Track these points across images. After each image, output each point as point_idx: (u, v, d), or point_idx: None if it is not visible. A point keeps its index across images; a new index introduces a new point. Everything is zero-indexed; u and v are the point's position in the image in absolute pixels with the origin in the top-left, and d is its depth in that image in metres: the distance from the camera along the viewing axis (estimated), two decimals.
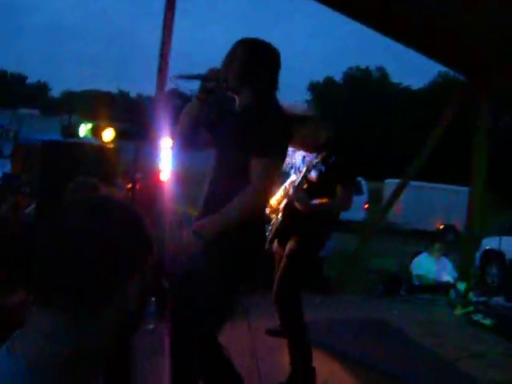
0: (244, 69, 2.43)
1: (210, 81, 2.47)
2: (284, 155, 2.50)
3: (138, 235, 0.99)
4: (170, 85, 2.55)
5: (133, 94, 54.69)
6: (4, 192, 2.62)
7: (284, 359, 3.42)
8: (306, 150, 3.40)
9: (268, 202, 2.47)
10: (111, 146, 4.64)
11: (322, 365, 3.60)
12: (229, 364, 2.57)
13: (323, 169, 3.24)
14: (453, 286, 6.71)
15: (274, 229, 3.44)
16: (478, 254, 9.77)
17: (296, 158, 3.48)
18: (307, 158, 3.37)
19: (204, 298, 2.37)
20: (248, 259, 2.45)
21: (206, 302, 2.39)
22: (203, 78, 2.48)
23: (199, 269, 2.37)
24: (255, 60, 2.45)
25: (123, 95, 53.18)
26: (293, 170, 3.47)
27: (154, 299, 3.74)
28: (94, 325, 0.93)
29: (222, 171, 2.49)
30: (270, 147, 2.36)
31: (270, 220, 3.53)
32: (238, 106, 2.52)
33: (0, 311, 2.11)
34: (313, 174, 3.27)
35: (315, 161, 3.24)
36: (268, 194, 2.49)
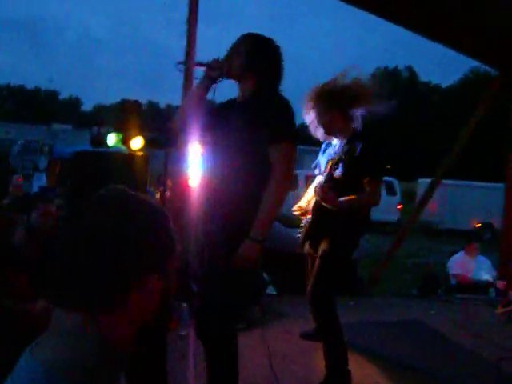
0: (248, 60, 2.56)
1: (214, 69, 2.60)
2: (296, 139, 2.56)
3: (160, 234, 0.97)
4: (177, 69, 2.73)
5: (162, 105, 55.49)
6: (35, 201, 2.66)
7: (319, 362, 3.36)
8: (331, 134, 3.34)
9: (291, 186, 2.54)
10: (141, 154, 4.68)
11: (358, 367, 3.53)
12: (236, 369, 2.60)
13: (347, 163, 3.16)
14: (492, 284, 6.53)
15: (305, 231, 3.39)
16: None
17: (320, 157, 3.44)
18: (333, 153, 3.31)
19: (222, 297, 2.46)
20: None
21: (224, 299, 2.46)
22: (207, 66, 2.61)
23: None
24: (259, 52, 2.58)
25: (152, 106, 53.99)
26: (317, 171, 3.42)
27: (185, 305, 3.74)
28: (113, 326, 0.91)
29: (224, 165, 2.55)
30: (284, 133, 2.46)
31: (299, 223, 3.49)
32: (240, 96, 2.64)
33: (25, 317, 2.14)
34: (337, 172, 3.21)
35: (340, 155, 3.19)
36: (291, 177, 2.57)
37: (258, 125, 2.45)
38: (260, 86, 2.56)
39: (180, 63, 2.68)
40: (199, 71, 2.71)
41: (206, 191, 2.66)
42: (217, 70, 2.60)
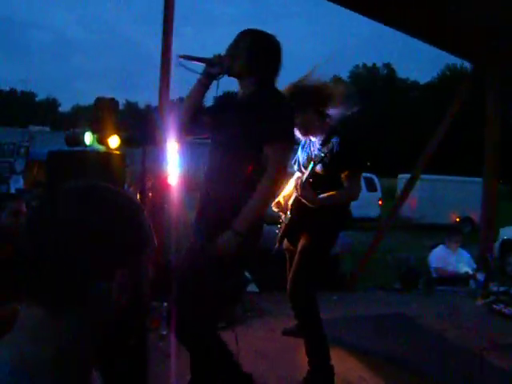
0: (250, 57, 2.49)
1: (214, 66, 2.51)
2: (293, 139, 2.55)
3: (130, 227, 0.93)
4: (176, 63, 2.54)
5: (141, 106, 55.19)
6: (4, 201, 2.58)
7: (302, 359, 3.34)
8: (309, 134, 3.31)
9: (281, 186, 2.53)
10: (118, 152, 4.60)
11: (341, 362, 3.51)
12: (233, 361, 2.59)
13: (327, 160, 3.15)
14: (472, 276, 6.59)
15: (284, 227, 3.37)
16: (496, 244, 9.61)
17: (300, 153, 3.42)
18: (312, 151, 3.29)
19: (204, 291, 2.43)
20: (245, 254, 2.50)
21: (207, 294, 2.44)
22: (208, 62, 2.53)
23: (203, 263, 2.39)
24: (261, 49, 2.51)
25: (131, 105, 53.66)
26: (296, 166, 3.40)
27: (166, 304, 3.69)
28: (76, 323, 0.87)
29: (221, 164, 2.50)
30: (281, 132, 2.41)
31: (279, 219, 3.47)
32: (241, 94, 2.57)
33: None
34: (318, 167, 3.19)
35: (320, 152, 3.16)
36: (283, 177, 2.52)
37: (254, 124, 2.40)
38: (261, 84, 2.51)
39: (181, 57, 2.52)
40: (199, 66, 2.57)
41: (202, 191, 2.59)
42: (217, 67, 2.52)
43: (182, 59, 2.50)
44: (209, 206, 2.51)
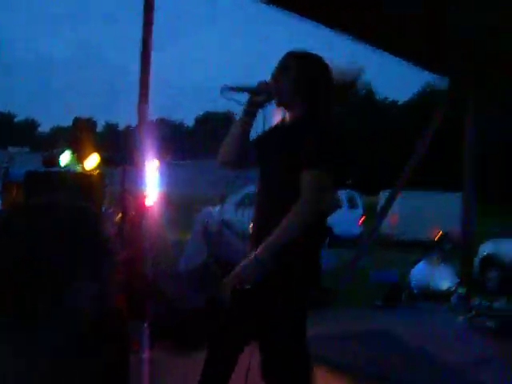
0: (297, 83, 2.37)
1: (260, 94, 2.39)
2: (335, 168, 2.33)
3: (85, 241, 0.92)
4: (221, 96, 2.35)
5: (121, 127, 55.17)
6: None
7: None
8: None
9: (321, 214, 2.36)
10: (95, 172, 4.58)
11: (325, 381, 3.48)
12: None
13: None
14: (454, 291, 6.62)
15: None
16: (476, 260, 9.67)
17: None
18: None
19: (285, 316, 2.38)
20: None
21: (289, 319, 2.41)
22: (253, 91, 2.40)
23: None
24: (307, 72, 2.39)
25: (110, 127, 53.51)
26: None
27: (146, 325, 3.62)
28: (50, 336, 0.86)
29: (268, 194, 2.40)
30: (320, 158, 2.26)
31: None
32: (289, 120, 2.45)
33: None
34: None
35: None
36: (319, 206, 2.30)
37: (294, 149, 2.28)
38: (309, 110, 2.37)
39: (227, 88, 2.36)
40: (242, 96, 2.42)
41: (253, 228, 2.46)
42: (264, 95, 2.39)
43: (226, 91, 2.36)
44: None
